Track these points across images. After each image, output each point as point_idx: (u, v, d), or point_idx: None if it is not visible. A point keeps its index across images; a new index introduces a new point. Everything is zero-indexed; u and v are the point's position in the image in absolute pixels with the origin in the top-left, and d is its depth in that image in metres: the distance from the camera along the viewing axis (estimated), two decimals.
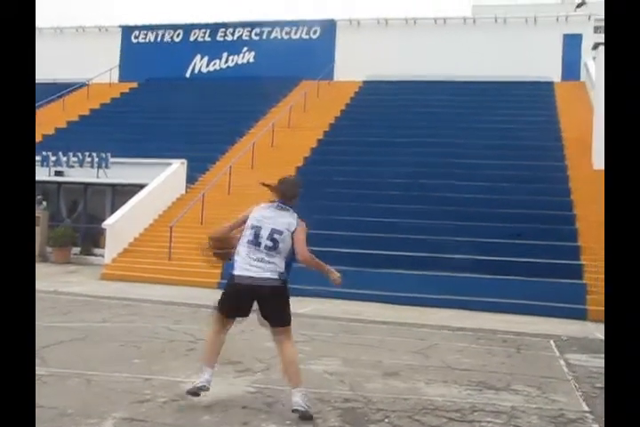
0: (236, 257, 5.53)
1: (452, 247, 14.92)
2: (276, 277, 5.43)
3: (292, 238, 5.47)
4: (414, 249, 15.02)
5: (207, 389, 5.56)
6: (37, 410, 5.36)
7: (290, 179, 5.86)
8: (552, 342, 9.77)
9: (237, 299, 5.51)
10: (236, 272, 5.47)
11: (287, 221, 5.51)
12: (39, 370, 6.71)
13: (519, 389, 6.70)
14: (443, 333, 10.36)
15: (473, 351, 8.86)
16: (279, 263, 5.45)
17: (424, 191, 17.75)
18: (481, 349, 9.11)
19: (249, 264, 5.43)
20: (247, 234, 5.54)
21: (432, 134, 21.48)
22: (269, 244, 5.45)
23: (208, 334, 5.82)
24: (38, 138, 24.60)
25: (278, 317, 5.49)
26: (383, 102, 25.11)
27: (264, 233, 5.47)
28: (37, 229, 19.71)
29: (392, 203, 17.34)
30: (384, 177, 18.78)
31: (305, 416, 5.30)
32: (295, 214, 5.59)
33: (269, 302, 5.45)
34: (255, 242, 5.48)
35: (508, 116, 22.63)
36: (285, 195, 5.62)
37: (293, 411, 5.35)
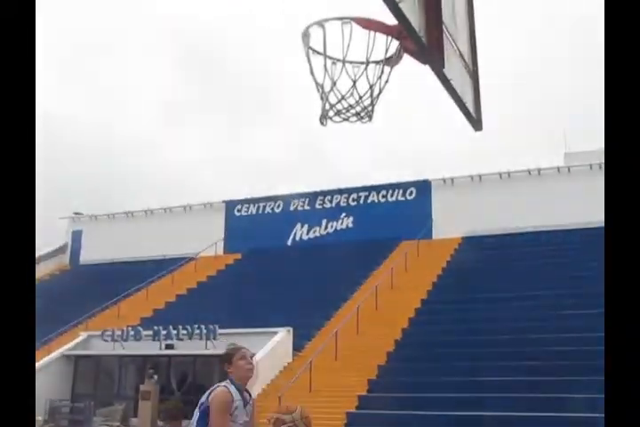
0: None
1: (581, 404, 14.12)
2: None
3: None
4: (531, 409, 14.34)
5: None
6: None
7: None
8: None
9: None
10: None
11: None
12: None
13: None
14: None
15: None
16: None
17: (536, 346, 17.21)
18: None
19: None
20: None
21: (538, 287, 21.11)
22: None
23: None
24: (149, 313, 25.64)
25: None
26: (484, 258, 25.09)
27: None
28: (148, 402, 19.99)
29: (504, 360, 16.86)
30: (493, 334, 18.41)
31: None
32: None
33: None
34: None
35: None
36: None
37: None
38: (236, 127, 68.80)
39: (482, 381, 15.90)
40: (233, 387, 4.84)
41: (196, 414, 4.78)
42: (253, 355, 4.96)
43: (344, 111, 3.86)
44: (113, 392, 22.35)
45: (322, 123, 3.90)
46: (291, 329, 20.24)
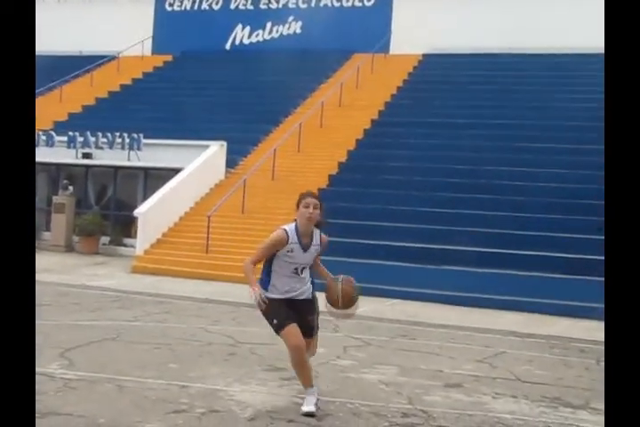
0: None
1: (523, 243, 14.72)
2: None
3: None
4: (480, 244, 14.80)
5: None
6: (64, 418, 5.45)
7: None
8: None
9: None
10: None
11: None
12: (67, 374, 6.82)
13: (600, 407, 6.55)
14: (510, 339, 10.25)
15: (545, 362, 8.74)
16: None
17: (489, 179, 17.50)
18: (555, 359, 8.98)
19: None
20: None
21: (498, 115, 21.14)
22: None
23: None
24: (64, 116, 25.02)
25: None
26: (444, 78, 24.83)
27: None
28: (63, 216, 20.06)
29: (454, 191, 17.17)
30: (445, 162, 18.60)
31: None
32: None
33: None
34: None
35: (585, 93, 22.12)
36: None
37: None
38: None
39: (427, 212, 16.23)
40: (294, 231, 5.94)
41: None
42: (319, 205, 6.02)
43: None
44: None
45: None
46: (224, 144, 20.06)
